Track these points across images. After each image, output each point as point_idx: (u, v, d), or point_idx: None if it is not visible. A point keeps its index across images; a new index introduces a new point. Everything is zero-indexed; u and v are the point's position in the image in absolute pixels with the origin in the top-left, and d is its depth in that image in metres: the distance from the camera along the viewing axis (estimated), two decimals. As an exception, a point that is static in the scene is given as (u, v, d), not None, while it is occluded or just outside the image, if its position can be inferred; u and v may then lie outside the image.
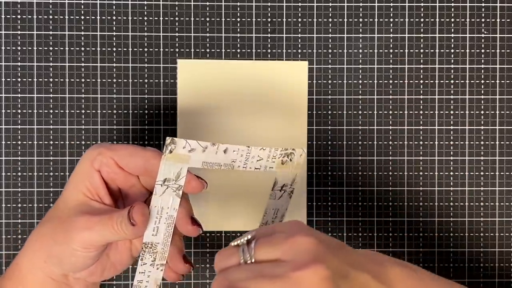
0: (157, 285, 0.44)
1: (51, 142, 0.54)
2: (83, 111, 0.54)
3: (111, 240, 0.42)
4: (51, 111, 0.54)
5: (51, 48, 0.54)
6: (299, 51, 0.55)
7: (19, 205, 0.54)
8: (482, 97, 0.55)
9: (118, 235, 0.41)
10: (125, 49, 0.54)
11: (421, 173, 0.55)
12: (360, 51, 0.55)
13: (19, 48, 0.54)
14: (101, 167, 0.43)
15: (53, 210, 0.43)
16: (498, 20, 0.55)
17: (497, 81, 0.55)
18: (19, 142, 0.54)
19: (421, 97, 0.55)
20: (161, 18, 0.54)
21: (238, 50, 0.55)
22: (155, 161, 0.41)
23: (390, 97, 0.55)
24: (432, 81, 0.55)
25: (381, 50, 0.55)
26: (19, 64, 0.54)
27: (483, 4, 0.55)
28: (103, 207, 0.43)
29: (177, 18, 0.54)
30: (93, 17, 0.54)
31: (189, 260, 0.45)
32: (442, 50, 0.55)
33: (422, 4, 0.55)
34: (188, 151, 0.41)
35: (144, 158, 0.42)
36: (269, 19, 0.55)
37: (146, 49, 0.54)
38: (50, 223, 0.43)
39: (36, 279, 0.43)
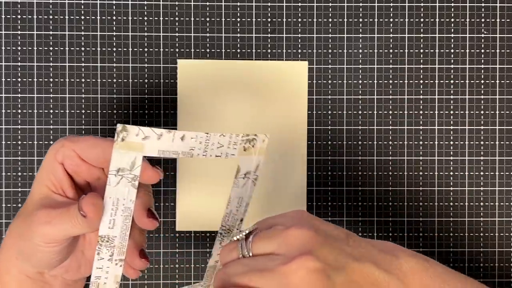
0: (117, 282, 0.42)
1: (51, 142, 0.54)
2: (83, 111, 0.54)
3: (71, 233, 0.40)
4: (51, 111, 0.54)
5: (51, 48, 0.54)
6: (299, 51, 0.55)
7: (19, 205, 0.54)
8: (482, 97, 0.55)
9: (75, 228, 0.39)
10: (125, 49, 0.54)
11: (421, 173, 0.55)
12: (360, 51, 0.55)
13: (19, 48, 0.54)
14: (64, 160, 0.42)
15: (23, 206, 0.43)
16: (498, 20, 0.55)
17: (497, 81, 0.55)
18: (19, 142, 0.54)
19: (421, 97, 0.55)
20: (161, 18, 0.54)
21: (238, 50, 0.55)
22: None
23: (390, 97, 0.55)
24: (432, 81, 0.55)
25: (381, 50, 0.55)
26: (19, 64, 0.54)
27: (483, 4, 0.55)
28: (65, 200, 0.41)
29: (177, 18, 0.54)
30: (93, 17, 0.54)
31: (146, 255, 0.43)
32: (442, 50, 0.55)
33: (422, 4, 0.55)
34: (141, 138, 0.39)
35: (103, 148, 0.41)
36: (269, 19, 0.55)
37: (146, 49, 0.54)
38: (18, 219, 0.42)
39: (13, 277, 0.42)
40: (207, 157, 0.41)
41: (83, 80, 0.54)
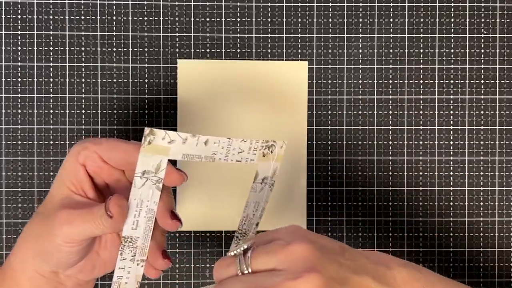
0: (138, 282, 0.43)
1: (51, 142, 0.54)
2: (83, 111, 0.54)
3: (92, 234, 0.41)
4: (51, 111, 0.54)
5: (51, 48, 0.54)
6: (299, 51, 0.55)
7: (19, 205, 0.54)
8: (482, 97, 0.55)
9: (98, 228, 0.40)
10: (125, 49, 0.54)
11: (421, 173, 0.55)
12: (360, 51, 0.55)
13: (19, 48, 0.54)
14: (85, 161, 0.42)
15: (41, 206, 0.43)
16: (498, 20, 0.55)
17: (497, 81, 0.55)
18: (19, 142, 0.54)
19: (421, 97, 0.55)
20: (161, 18, 0.54)
21: (238, 50, 0.55)
22: (136, 154, 0.40)
23: (390, 97, 0.55)
24: (432, 81, 0.55)
25: (381, 50, 0.55)
26: (19, 64, 0.54)
27: (483, 4, 0.55)
28: (86, 201, 0.42)
29: (177, 18, 0.54)
30: (93, 17, 0.54)
31: (169, 255, 0.44)
32: (442, 50, 0.55)
33: (422, 4, 0.55)
34: (167, 142, 0.40)
35: (126, 151, 0.42)
36: (269, 19, 0.55)
37: (146, 49, 0.54)
38: (37, 218, 0.42)
39: (27, 276, 0.43)
40: (228, 161, 0.42)
41: (83, 80, 0.54)
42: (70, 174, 0.42)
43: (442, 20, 0.55)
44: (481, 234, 0.55)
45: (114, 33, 0.54)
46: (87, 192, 0.43)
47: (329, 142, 0.55)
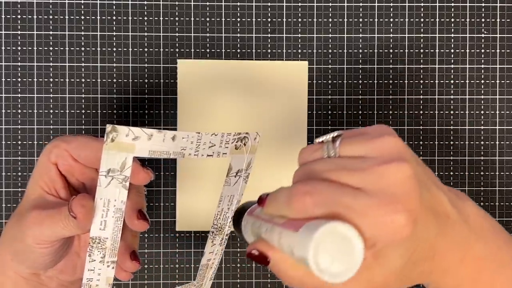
0: (109, 284, 0.41)
1: (51, 142, 0.54)
2: (83, 111, 0.54)
3: (62, 235, 0.40)
4: (51, 111, 0.54)
5: (51, 48, 0.54)
6: (299, 51, 0.55)
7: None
8: (482, 97, 0.55)
9: (67, 229, 0.39)
10: (125, 49, 0.54)
11: (421, 173, 0.55)
12: (360, 51, 0.55)
13: (19, 48, 0.54)
14: (57, 160, 0.41)
15: (18, 206, 0.42)
16: (498, 20, 0.55)
17: (497, 81, 0.55)
18: (19, 142, 0.54)
19: (421, 97, 0.55)
20: (161, 18, 0.54)
21: (238, 50, 0.55)
22: None
23: (390, 97, 0.55)
24: (432, 81, 0.55)
25: (381, 50, 0.55)
26: (19, 64, 0.54)
27: (483, 4, 0.55)
28: (58, 201, 0.41)
29: (177, 18, 0.54)
30: (93, 17, 0.54)
31: (137, 257, 0.42)
32: (442, 50, 0.55)
33: (422, 4, 0.55)
34: (132, 139, 0.38)
35: (96, 148, 0.40)
36: (269, 19, 0.55)
37: (146, 49, 0.54)
38: (13, 219, 0.42)
39: (8, 278, 0.42)
40: (198, 157, 0.41)
41: (83, 80, 0.54)
42: (43, 173, 0.41)
43: (442, 20, 0.55)
44: (481, 234, 0.55)
45: (114, 33, 0.54)
46: (59, 192, 0.42)
47: (329, 142, 0.55)
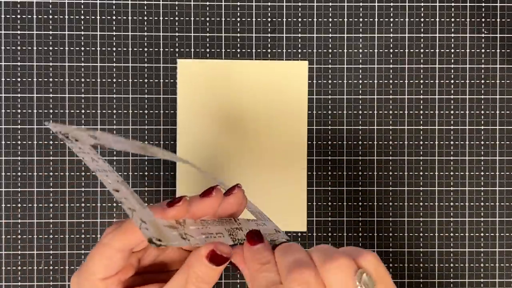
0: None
1: (51, 142, 0.54)
2: (83, 111, 0.54)
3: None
4: (51, 111, 0.54)
5: (51, 48, 0.54)
6: (299, 51, 0.55)
7: (19, 205, 0.54)
8: (482, 97, 0.55)
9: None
10: (125, 49, 0.54)
11: (421, 173, 0.55)
12: (360, 51, 0.55)
13: (19, 48, 0.54)
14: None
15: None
16: (498, 20, 0.55)
17: (497, 81, 0.55)
18: (19, 142, 0.54)
19: (421, 97, 0.55)
20: (161, 18, 0.54)
21: (238, 50, 0.55)
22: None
23: (390, 97, 0.55)
24: (432, 81, 0.55)
25: (381, 50, 0.55)
26: (19, 64, 0.54)
27: (483, 4, 0.55)
28: None
29: (177, 18, 0.54)
30: (93, 17, 0.54)
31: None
32: (442, 50, 0.55)
33: (422, 4, 0.55)
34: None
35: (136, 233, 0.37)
36: (269, 19, 0.55)
37: (146, 49, 0.54)
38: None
39: None
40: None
41: (83, 80, 0.54)
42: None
43: (442, 20, 0.55)
44: (482, 234, 0.55)
45: (114, 33, 0.54)
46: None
47: (329, 142, 0.55)
